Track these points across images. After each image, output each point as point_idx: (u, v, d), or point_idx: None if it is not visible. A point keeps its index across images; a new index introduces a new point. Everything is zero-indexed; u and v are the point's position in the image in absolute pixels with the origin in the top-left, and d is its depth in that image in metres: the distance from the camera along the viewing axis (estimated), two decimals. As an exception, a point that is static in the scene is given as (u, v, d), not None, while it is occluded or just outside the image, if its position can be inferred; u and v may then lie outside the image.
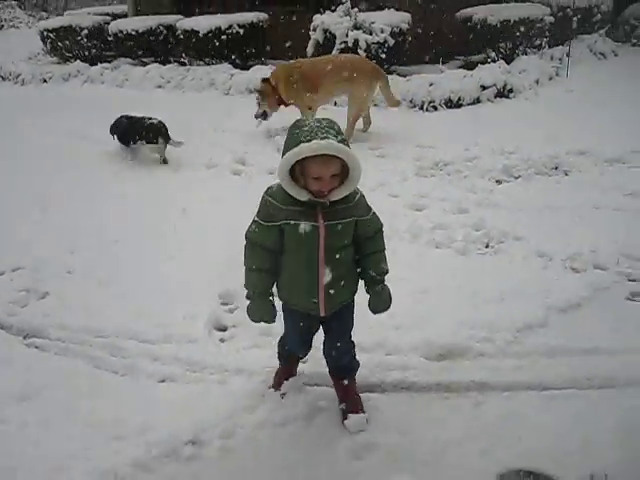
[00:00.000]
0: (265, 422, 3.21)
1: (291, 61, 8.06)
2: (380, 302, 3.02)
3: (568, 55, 10.22)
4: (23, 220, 5.80)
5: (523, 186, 6.15)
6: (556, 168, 6.52)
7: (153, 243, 5.20)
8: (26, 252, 5.16)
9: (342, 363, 3.22)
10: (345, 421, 3.14)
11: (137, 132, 7.24)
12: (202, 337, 3.94)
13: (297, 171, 2.69)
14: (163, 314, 4.16)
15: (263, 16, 11.71)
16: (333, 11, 10.04)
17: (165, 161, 7.30)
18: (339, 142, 2.62)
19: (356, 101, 7.67)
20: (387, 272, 3.03)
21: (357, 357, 3.30)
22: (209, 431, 3.15)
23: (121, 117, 7.46)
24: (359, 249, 2.96)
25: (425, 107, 8.90)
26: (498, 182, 6.26)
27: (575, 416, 3.20)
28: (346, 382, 3.25)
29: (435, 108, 8.88)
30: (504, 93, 9.15)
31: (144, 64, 12.06)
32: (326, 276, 2.86)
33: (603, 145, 6.91)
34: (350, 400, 3.23)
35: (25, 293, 4.60)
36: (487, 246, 4.95)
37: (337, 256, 2.86)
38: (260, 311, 2.98)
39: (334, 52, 9.60)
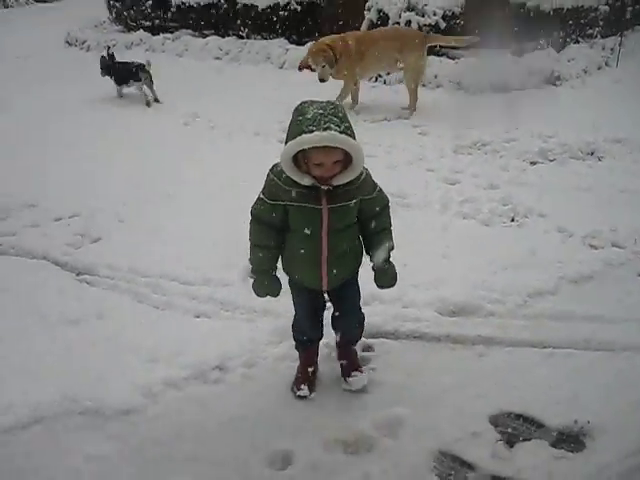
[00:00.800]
0: (285, 356, 3.57)
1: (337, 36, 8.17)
2: (386, 279, 3.10)
3: (620, 45, 10.25)
4: (81, 172, 6.27)
5: (556, 168, 6.35)
6: (591, 154, 6.68)
7: (202, 200, 5.58)
8: (83, 201, 5.59)
9: (352, 335, 3.37)
10: (348, 379, 3.32)
11: (130, 73, 8.85)
12: (236, 283, 4.30)
13: (300, 156, 2.68)
14: (203, 261, 4.53)
15: (315, -5, 12.00)
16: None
17: (153, 102, 8.85)
18: (342, 132, 2.58)
19: (412, 68, 7.97)
20: (393, 249, 3.08)
21: (374, 308, 3.63)
22: (234, 360, 3.54)
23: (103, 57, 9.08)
24: (365, 226, 3.01)
25: (471, 90, 9.08)
26: (532, 163, 6.47)
27: (569, 372, 3.47)
28: (351, 354, 3.42)
29: (482, 91, 9.04)
30: (551, 80, 9.26)
31: (204, 36, 12.44)
32: (328, 256, 2.91)
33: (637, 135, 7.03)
34: (351, 357, 3.40)
35: (80, 237, 5.03)
36: (512, 220, 5.20)
37: (339, 236, 2.91)
38: (265, 287, 3.03)
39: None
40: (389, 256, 3.07)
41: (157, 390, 3.32)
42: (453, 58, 9.73)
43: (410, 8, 9.85)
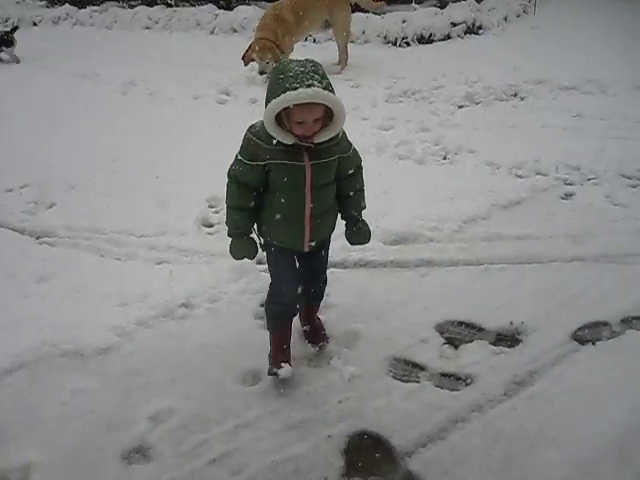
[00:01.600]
0: (245, 289, 3.87)
1: (271, 6, 8.38)
2: (362, 237, 3.16)
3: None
4: (25, 144, 6.38)
5: (482, 110, 6.75)
6: (515, 95, 7.10)
7: (147, 161, 5.78)
8: (31, 172, 5.72)
9: (318, 293, 3.34)
10: (314, 346, 3.34)
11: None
12: (192, 231, 4.56)
13: (282, 115, 2.65)
14: (158, 215, 4.77)
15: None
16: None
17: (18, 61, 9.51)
18: (325, 88, 2.58)
19: (341, 26, 8.28)
20: (365, 208, 3.16)
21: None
22: (198, 297, 3.82)
23: None
24: (340, 188, 3.00)
25: (398, 43, 9.42)
26: (460, 107, 6.85)
27: (503, 283, 3.87)
28: (315, 308, 3.44)
29: (408, 44, 9.40)
30: (473, 30, 9.67)
31: (132, 7, 12.44)
32: (312, 212, 2.89)
33: (560, 75, 7.48)
34: (314, 324, 3.42)
35: (34, 204, 5.17)
36: (444, 158, 5.58)
37: (322, 193, 2.89)
38: (243, 249, 3.00)
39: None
40: (362, 215, 3.16)
41: (130, 329, 3.57)
42: (379, 14, 10.00)
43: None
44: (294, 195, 2.85)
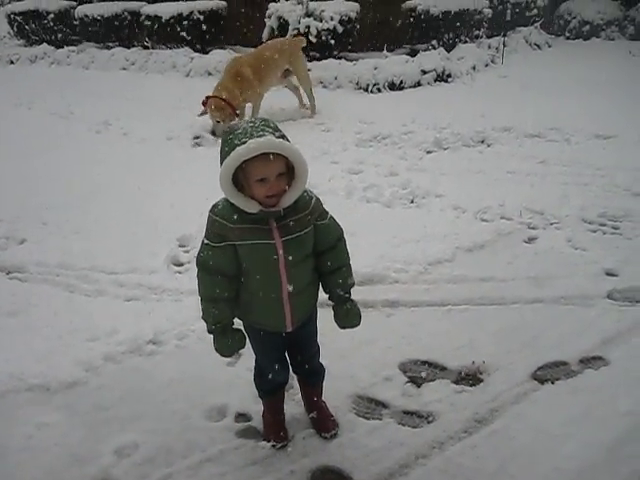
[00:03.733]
0: (213, 327, 3.91)
1: (229, 62, 8.25)
2: (351, 319, 2.88)
3: (504, 45, 11.04)
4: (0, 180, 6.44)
5: (450, 155, 6.91)
6: (482, 141, 7.28)
7: (119, 199, 5.85)
8: (2, 208, 5.76)
9: (313, 367, 3.12)
10: (324, 434, 3.11)
11: None
12: (162, 269, 4.62)
13: (241, 179, 2.45)
14: (128, 253, 4.82)
15: (222, 4, 12.37)
16: (287, 0, 10.71)
17: None
18: (278, 137, 2.39)
19: (303, 73, 8.42)
20: (353, 285, 2.92)
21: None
22: (166, 333, 3.87)
23: None
24: (322, 262, 2.77)
25: (370, 89, 9.62)
26: (428, 152, 7.01)
27: (466, 324, 3.96)
28: (315, 389, 3.20)
29: (379, 90, 9.61)
30: (443, 77, 9.93)
31: (109, 48, 12.59)
32: (290, 292, 2.66)
33: (525, 122, 7.69)
34: (320, 410, 3.19)
35: (5, 240, 5.21)
36: (412, 202, 5.70)
37: (299, 270, 2.66)
38: (230, 345, 2.73)
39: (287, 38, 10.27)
40: (351, 294, 2.91)
41: (98, 364, 3.61)
42: (351, 60, 10.25)
43: (308, 14, 10.33)
44: (267, 277, 2.62)
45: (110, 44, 12.78)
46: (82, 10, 13.28)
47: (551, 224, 5.21)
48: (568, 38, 13.01)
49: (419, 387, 3.43)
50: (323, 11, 10.35)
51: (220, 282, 2.62)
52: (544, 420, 3.13)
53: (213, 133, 7.79)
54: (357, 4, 10.88)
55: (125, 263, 4.69)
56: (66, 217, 5.54)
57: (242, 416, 3.25)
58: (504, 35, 11.22)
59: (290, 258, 2.59)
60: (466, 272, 4.50)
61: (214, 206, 2.60)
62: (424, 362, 3.64)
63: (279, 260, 2.57)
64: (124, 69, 11.78)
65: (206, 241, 2.62)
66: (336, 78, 9.88)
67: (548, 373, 3.50)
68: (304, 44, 8.46)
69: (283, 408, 3.16)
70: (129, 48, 12.33)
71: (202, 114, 7.74)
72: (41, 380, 3.48)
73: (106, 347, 3.74)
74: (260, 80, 7.95)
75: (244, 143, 2.35)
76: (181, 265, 4.74)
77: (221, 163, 2.43)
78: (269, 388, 3.06)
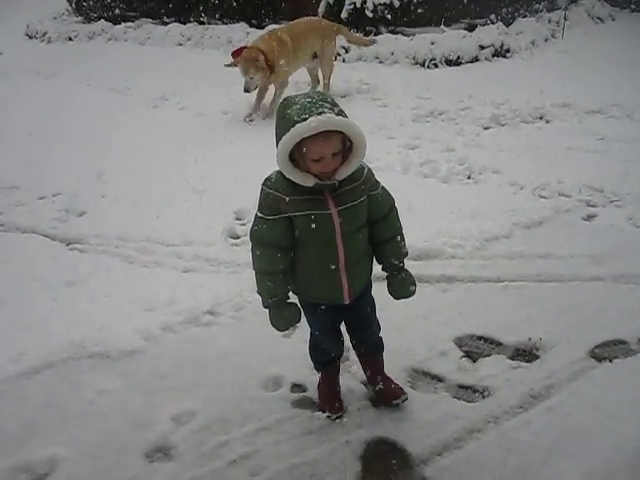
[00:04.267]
0: (269, 299, 3.95)
1: (266, 32, 8.03)
2: (406, 289, 2.86)
3: (565, 19, 10.75)
4: (59, 154, 6.57)
5: (508, 131, 6.80)
6: (540, 118, 7.13)
7: (177, 173, 5.92)
8: (64, 182, 5.89)
9: (375, 340, 3.10)
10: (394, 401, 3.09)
11: None
12: (218, 242, 4.67)
13: (296, 155, 2.43)
14: (186, 226, 4.88)
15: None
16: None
17: None
18: (337, 114, 2.37)
19: (329, 57, 8.12)
20: (407, 254, 2.90)
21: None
22: (223, 305, 3.93)
23: None
24: (375, 233, 2.75)
25: (427, 64, 9.50)
26: (485, 128, 6.90)
27: (522, 300, 3.91)
28: (379, 361, 3.15)
29: (436, 65, 9.47)
30: (501, 53, 9.73)
31: (165, 24, 12.65)
32: (346, 262, 2.65)
33: (586, 98, 7.50)
34: (386, 380, 3.14)
35: (65, 212, 5.34)
36: (469, 177, 5.63)
37: (354, 240, 2.64)
38: (286, 319, 2.72)
39: (343, 12, 10.21)
40: (404, 264, 2.89)
41: (156, 334, 3.69)
42: (408, 35, 10.13)
43: (365, -13, 10.23)
44: (324, 247, 2.61)
45: (166, 20, 12.83)
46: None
47: (611, 202, 5.09)
48: (634, 10, 12.55)
49: (474, 362, 3.42)
50: (381, -16, 10.24)
51: (275, 255, 2.61)
52: (601, 398, 3.09)
53: (246, 90, 7.30)
54: (415, -22, 10.72)
55: (182, 235, 4.75)
56: (124, 190, 5.63)
57: (298, 387, 3.29)
58: (565, 9, 10.93)
59: (346, 227, 2.58)
60: (523, 249, 4.44)
61: (267, 179, 2.60)
62: (480, 337, 3.62)
63: (335, 230, 2.57)
64: (180, 45, 11.80)
65: (260, 214, 2.61)
66: (393, 53, 9.76)
67: (606, 351, 3.45)
68: (344, 35, 8.31)
69: (338, 380, 3.17)
70: (185, 24, 12.34)
71: (230, 65, 7.37)
72: (101, 348, 3.57)
73: (164, 317, 3.81)
74: (293, 52, 7.61)
75: (304, 120, 2.32)
76: (238, 238, 4.77)
77: (277, 137, 2.43)
78: (325, 360, 3.08)
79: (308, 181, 2.47)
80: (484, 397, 3.18)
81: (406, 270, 2.89)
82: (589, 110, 7.21)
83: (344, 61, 9.98)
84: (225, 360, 3.48)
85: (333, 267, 2.64)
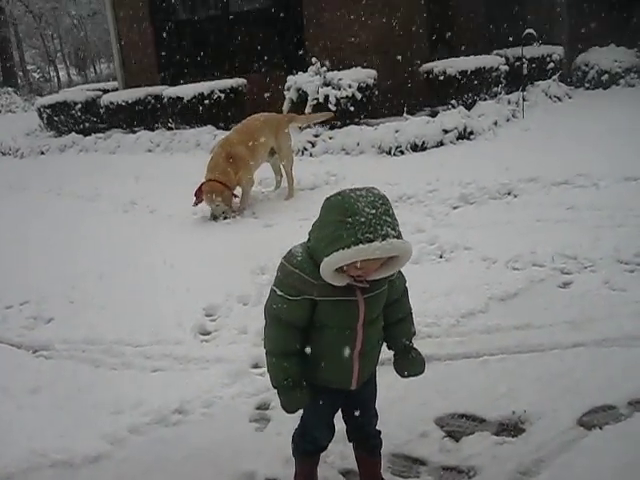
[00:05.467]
0: (240, 393, 3.80)
1: (219, 143, 7.85)
2: (417, 366, 2.75)
3: (523, 99, 11.02)
4: (27, 263, 6.46)
5: (477, 209, 6.80)
6: (508, 193, 7.16)
7: (146, 272, 5.82)
8: (31, 288, 5.76)
9: (372, 432, 2.91)
10: None
11: None
12: (188, 339, 4.52)
13: None
14: (155, 325, 4.73)
15: (242, 81, 12.61)
16: (305, 72, 10.88)
17: None
18: (397, 236, 2.25)
19: (287, 151, 7.98)
20: (415, 334, 2.84)
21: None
22: (192, 402, 3.74)
23: None
24: (388, 314, 2.67)
25: (393, 152, 9.60)
26: (454, 207, 6.90)
27: (503, 373, 3.77)
28: (376, 458, 2.95)
29: (402, 152, 9.59)
30: (465, 135, 9.88)
31: (134, 132, 12.85)
32: (362, 349, 2.55)
33: (551, 171, 7.56)
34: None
35: (33, 320, 5.18)
36: (440, 257, 5.57)
37: (374, 327, 2.57)
38: (298, 400, 2.56)
39: (307, 108, 10.38)
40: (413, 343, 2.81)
41: (122, 436, 3.49)
42: (372, 125, 10.30)
43: (326, 84, 10.46)
44: (344, 333, 2.50)
45: (135, 128, 13.03)
46: (107, 98, 13.66)
47: (585, 267, 5.04)
48: (588, 89, 13.01)
49: (457, 441, 3.25)
50: (340, 79, 10.46)
51: (294, 335, 2.50)
52: (594, 469, 2.93)
53: (214, 217, 7.38)
54: (374, 71, 11.00)
55: (151, 335, 4.61)
56: (93, 294, 5.51)
57: (271, 481, 3.10)
58: (523, 90, 11.22)
59: (369, 315, 2.49)
60: (500, 322, 4.33)
61: (291, 255, 2.45)
62: (461, 415, 3.47)
63: (359, 317, 2.47)
64: (149, 151, 11.96)
65: (279, 292, 2.46)
66: (358, 144, 9.89)
67: (595, 418, 3.30)
68: (297, 122, 8.31)
69: (316, 472, 2.98)
70: (153, 131, 12.55)
71: (197, 203, 7.39)
72: (64, 455, 3.36)
73: (131, 418, 3.62)
74: (251, 158, 7.52)
75: (368, 241, 2.18)
76: (208, 334, 4.64)
77: (328, 242, 2.26)
78: (311, 449, 2.88)
79: (342, 281, 2.36)
80: (470, 477, 3.01)
81: (415, 349, 2.79)
82: (555, 182, 7.27)
83: (311, 155, 10.10)
84: (195, 459, 3.28)
85: (348, 353, 2.54)
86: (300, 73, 10.92)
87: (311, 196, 7.98)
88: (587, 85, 13.09)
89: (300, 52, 12.32)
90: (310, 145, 10.15)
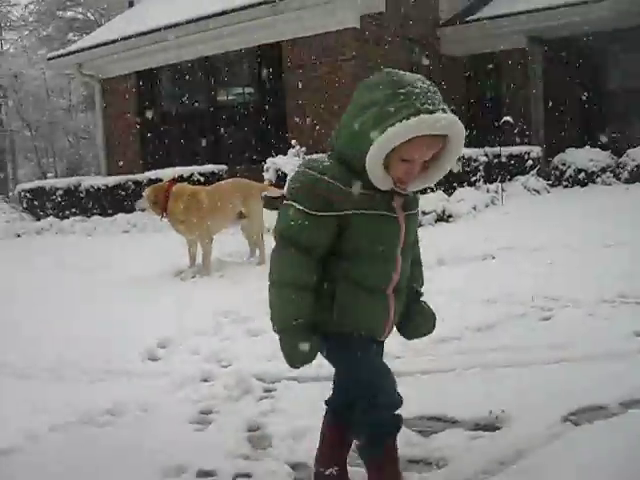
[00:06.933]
0: (184, 400, 3.37)
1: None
2: (429, 321, 2.34)
3: (503, 190, 10.96)
4: None
5: (453, 269, 6.48)
6: (485, 259, 6.89)
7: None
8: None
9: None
10: None
11: None
12: (136, 360, 4.12)
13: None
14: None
15: (222, 167, 12.56)
16: (284, 155, 10.84)
17: None
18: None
19: (256, 216, 7.68)
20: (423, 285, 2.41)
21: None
22: (128, 404, 3.35)
23: None
24: None
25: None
26: (429, 268, 6.59)
27: (478, 382, 3.42)
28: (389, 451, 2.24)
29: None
30: (444, 218, 9.69)
31: (112, 215, 12.63)
32: (398, 285, 2.12)
33: (529, 241, 7.32)
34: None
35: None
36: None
37: (408, 256, 2.16)
38: (305, 352, 2.03)
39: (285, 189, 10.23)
40: None
41: (41, 433, 3.08)
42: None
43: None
44: (383, 261, 2.06)
45: (112, 211, 12.79)
46: (88, 182, 13.60)
47: (567, 307, 4.71)
48: (566, 186, 13.07)
49: (427, 437, 2.84)
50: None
51: (308, 263, 1.99)
52: (583, 458, 2.50)
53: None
54: (354, 157, 10.98)
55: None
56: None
57: (206, 473, 2.66)
58: (502, 181, 11.22)
59: (407, 239, 2.10)
60: (476, 345, 3.99)
61: (313, 162, 2.03)
62: (431, 417, 3.07)
63: (400, 239, 2.07)
64: (126, 232, 11.81)
65: (299, 206, 1.96)
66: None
67: (584, 417, 2.90)
68: (273, 193, 7.98)
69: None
70: (131, 212, 12.35)
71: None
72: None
73: (53, 418, 3.20)
74: (215, 211, 7.26)
75: (429, 112, 1.85)
76: (158, 359, 4.24)
77: (378, 118, 1.89)
78: (393, 412, 2.18)
79: (386, 184, 1.97)
80: (439, 467, 2.58)
81: (425, 301, 2.34)
82: (533, 249, 7.04)
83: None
84: (122, 454, 2.84)
85: (383, 288, 2.08)
86: (280, 156, 10.86)
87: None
88: (565, 183, 13.16)
89: (281, 144, 12.29)
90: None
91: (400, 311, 2.19)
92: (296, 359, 2.04)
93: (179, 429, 3.06)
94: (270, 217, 8.25)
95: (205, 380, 3.69)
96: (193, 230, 7.23)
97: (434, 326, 2.33)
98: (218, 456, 2.74)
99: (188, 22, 13.06)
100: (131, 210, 12.44)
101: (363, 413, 2.12)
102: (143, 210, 7.50)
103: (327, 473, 2.31)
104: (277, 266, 2.03)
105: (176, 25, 13.24)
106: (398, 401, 2.17)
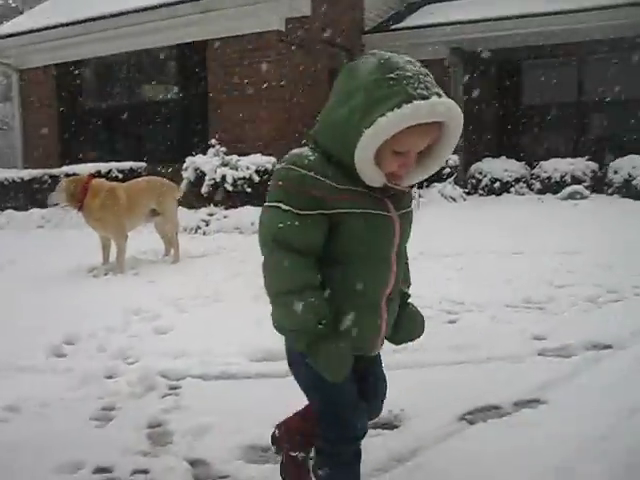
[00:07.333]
0: (86, 396, 3.35)
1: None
2: (419, 326, 2.17)
3: (420, 196, 11.14)
4: None
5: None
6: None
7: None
8: None
9: (378, 410, 2.36)
10: None
11: None
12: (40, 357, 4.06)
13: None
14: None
15: (142, 164, 12.38)
16: (204, 155, 10.75)
17: None
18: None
19: (170, 216, 7.65)
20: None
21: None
22: (27, 401, 3.27)
23: None
24: None
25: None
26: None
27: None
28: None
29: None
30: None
31: (27, 209, 12.25)
32: (392, 292, 1.95)
33: (442, 248, 7.51)
34: None
35: None
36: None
37: (401, 258, 1.98)
38: (343, 355, 1.82)
39: (204, 188, 10.20)
40: None
41: None
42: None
43: (224, 164, 10.32)
44: (377, 265, 1.88)
45: (29, 206, 12.41)
46: (2, 174, 13.16)
47: (471, 311, 4.86)
48: (481, 195, 13.43)
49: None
50: (239, 160, 10.35)
51: (307, 263, 1.78)
52: (479, 453, 2.61)
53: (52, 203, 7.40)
54: (274, 158, 10.93)
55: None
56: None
57: (103, 470, 2.63)
58: (419, 187, 11.41)
59: (402, 240, 1.92)
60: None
61: (297, 158, 1.82)
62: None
63: (395, 240, 1.88)
64: (40, 227, 11.51)
65: (285, 207, 1.77)
66: (252, 224, 9.66)
67: (479, 416, 3.02)
68: (178, 194, 7.90)
69: None
70: (46, 207, 12.00)
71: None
72: None
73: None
74: (130, 209, 7.16)
75: (423, 97, 1.66)
76: (64, 356, 4.15)
77: (366, 108, 1.70)
78: (354, 453, 2.07)
79: (377, 180, 1.79)
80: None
81: (412, 303, 2.17)
82: (445, 255, 7.22)
83: (204, 234, 9.79)
84: (15, 450, 2.79)
85: (378, 296, 1.90)
86: (200, 155, 10.76)
87: (199, 262, 7.63)
88: (481, 192, 13.52)
89: (202, 143, 12.17)
90: (204, 223, 9.88)
91: (391, 323, 2.03)
92: (337, 367, 1.82)
93: (79, 426, 3.02)
94: (187, 216, 8.24)
95: (109, 377, 3.65)
96: (108, 227, 7.13)
97: (423, 329, 2.17)
98: (116, 452, 2.73)
99: (112, 16, 12.84)
100: (47, 205, 12.12)
101: (325, 442, 2.04)
102: (55, 204, 7.30)
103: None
104: (277, 274, 1.80)
105: (99, 18, 12.98)
106: (362, 434, 2.06)
